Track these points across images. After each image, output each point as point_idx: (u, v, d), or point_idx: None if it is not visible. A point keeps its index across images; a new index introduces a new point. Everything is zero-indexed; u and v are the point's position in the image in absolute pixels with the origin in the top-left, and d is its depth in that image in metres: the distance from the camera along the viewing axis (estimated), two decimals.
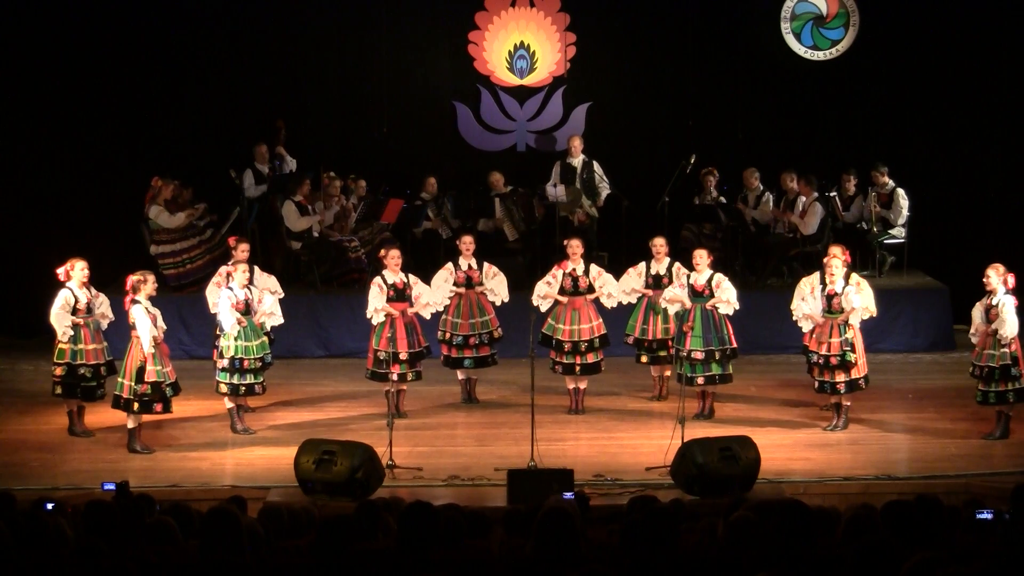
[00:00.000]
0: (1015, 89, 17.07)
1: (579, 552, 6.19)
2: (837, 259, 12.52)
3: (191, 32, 17.10)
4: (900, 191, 16.24)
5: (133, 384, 11.90)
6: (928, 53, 17.21)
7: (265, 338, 12.77)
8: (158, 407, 11.99)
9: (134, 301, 11.95)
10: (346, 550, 6.27)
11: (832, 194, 16.41)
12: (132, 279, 12.08)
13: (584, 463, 11.32)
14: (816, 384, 12.58)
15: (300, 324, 15.09)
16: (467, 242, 13.54)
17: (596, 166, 16.64)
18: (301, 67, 17.36)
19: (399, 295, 12.95)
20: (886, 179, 16.30)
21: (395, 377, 12.75)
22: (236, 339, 12.47)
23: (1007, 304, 11.95)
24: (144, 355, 11.87)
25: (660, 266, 13.33)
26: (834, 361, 12.32)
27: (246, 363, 12.48)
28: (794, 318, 12.72)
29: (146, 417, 12.13)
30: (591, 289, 13.19)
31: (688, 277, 12.88)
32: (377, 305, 12.90)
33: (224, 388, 12.55)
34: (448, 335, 13.44)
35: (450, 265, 13.55)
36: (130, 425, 12.08)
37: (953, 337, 15.64)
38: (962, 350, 14.86)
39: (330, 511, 8.59)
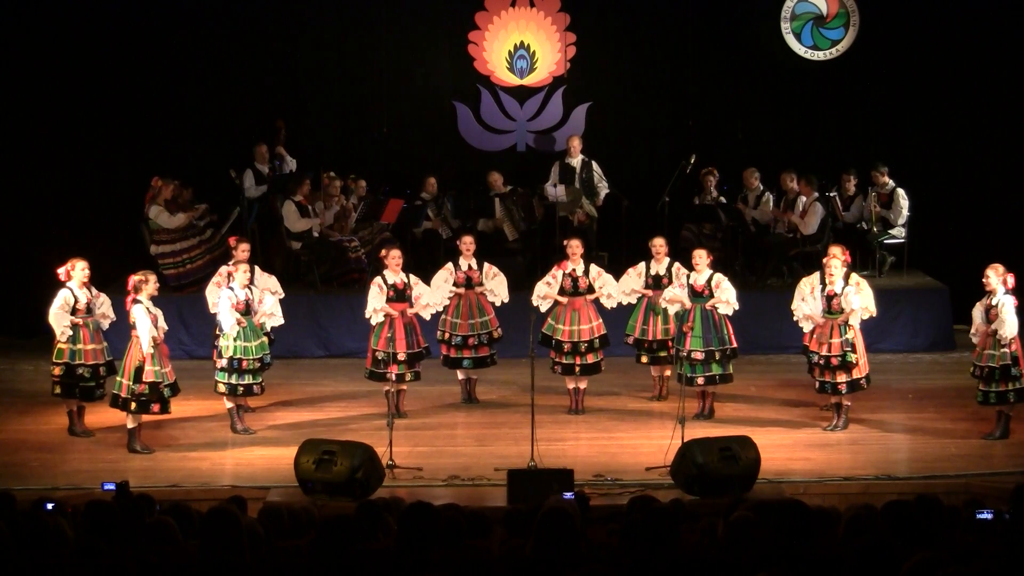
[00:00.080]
0: (1015, 89, 17.07)
1: (579, 552, 6.18)
2: (836, 259, 12.52)
3: (191, 32, 17.09)
4: (900, 191, 16.24)
5: (131, 384, 11.90)
6: (928, 53, 17.21)
7: (265, 338, 12.76)
8: (155, 407, 11.99)
9: (135, 301, 11.95)
10: (346, 550, 6.27)
11: (832, 194, 16.41)
12: (134, 279, 12.09)
13: (584, 463, 11.32)
14: (817, 384, 12.57)
15: (300, 324, 15.09)
16: (467, 242, 13.53)
17: (595, 166, 16.64)
18: (301, 67, 17.36)
19: (399, 295, 12.95)
20: (886, 179, 16.30)
21: (392, 377, 12.75)
22: (235, 339, 12.47)
23: (1006, 304, 11.95)
24: (143, 355, 11.87)
25: (660, 266, 13.33)
26: (835, 362, 12.32)
27: (245, 363, 12.47)
28: (795, 318, 12.72)
29: (145, 417, 12.13)
30: (591, 289, 13.18)
31: (688, 277, 12.88)
32: (376, 305, 12.89)
33: (222, 388, 12.55)
34: (447, 335, 13.44)
35: (450, 265, 13.55)
36: (130, 425, 12.08)
37: (953, 337, 15.64)
38: (962, 350, 14.87)
39: (330, 511, 8.59)
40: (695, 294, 12.73)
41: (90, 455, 12.04)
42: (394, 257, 13.09)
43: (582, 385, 13.28)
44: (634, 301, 13.38)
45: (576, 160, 16.68)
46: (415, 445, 12.03)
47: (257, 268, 13.36)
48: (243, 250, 13.07)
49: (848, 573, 5.69)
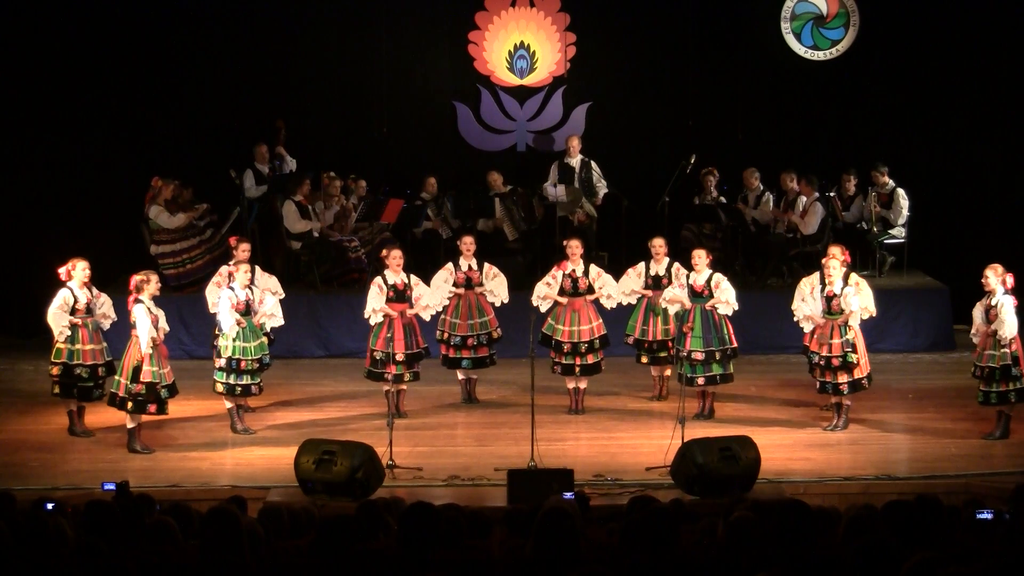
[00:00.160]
0: (1015, 89, 17.07)
1: (579, 552, 6.18)
2: (835, 260, 12.51)
3: (191, 32, 17.09)
4: (900, 191, 16.25)
5: (128, 383, 11.90)
6: (928, 53, 17.21)
7: (264, 339, 12.75)
8: (151, 408, 11.98)
9: (137, 300, 11.96)
10: (346, 550, 6.26)
11: (832, 194, 16.41)
12: (136, 279, 12.09)
13: (584, 463, 11.33)
14: (818, 385, 12.58)
15: (300, 324, 15.08)
16: (468, 243, 13.53)
17: (594, 165, 16.64)
18: (301, 67, 17.36)
19: (399, 296, 12.94)
20: (886, 179, 16.30)
21: (390, 377, 12.74)
22: (234, 340, 12.46)
23: (1006, 304, 11.95)
24: (142, 355, 11.87)
25: (659, 267, 13.32)
26: (836, 363, 12.33)
27: (243, 364, 12.46)
28: (795, 319, 12.72)
29: (144, 417, 12.12)
30: (591, 290, 13.18)
31: (687, 277, 12.88)
32: (375, 306, 12.89)
33: (220, 388, 12.55)
34: (446, 335, 13.43)
35: (450, 265, 13.54)
36: (130, 425, 12.08)
37: (953, 337, 15.64)
38: (962, 350, 14.88)
39: (330, 511, 8.58)
40: (695, 294, 12.72)
41: (90, 455, 12.04)
42: (395, 257, 13.09)
43: (582, 385, 13.27)
44: (634, 301, 13.38)
45: (575, 160, 16.67)
46: (415, 445, 12.03)
47: (258, 268, 13.36)
48: (244, 250, 13.07)
49: (848, 573, 5.69)
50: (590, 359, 13.10)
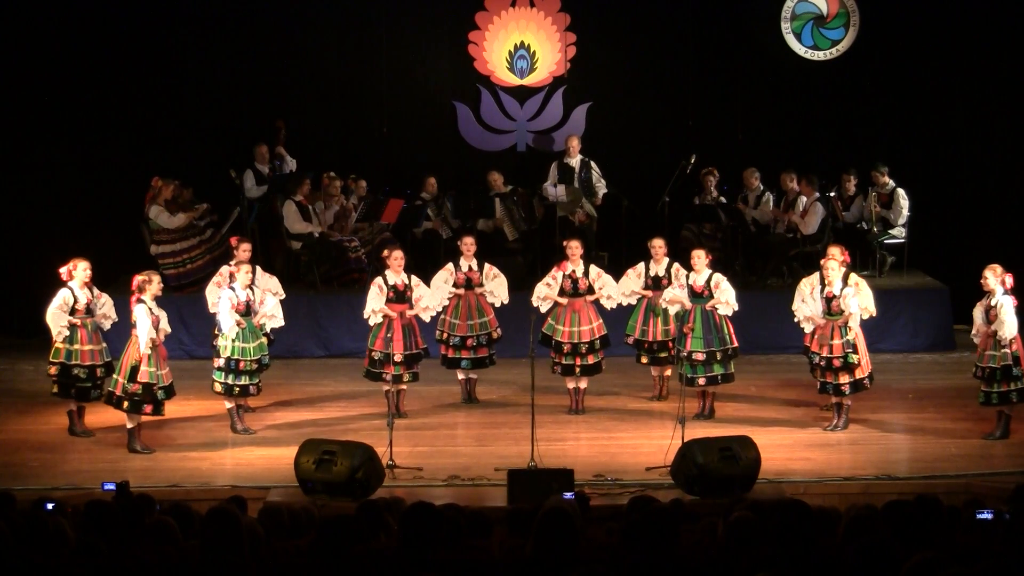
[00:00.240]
0: (1015, 89, 17.07)
1: (579, 552, 6.18)
2: (834, 260, 12.50)
3: (191, 32, 17.11)
4: (900, 191, 16.25)
5: (126, 382, 11.90)
6: (928, 53, 17.21)
7: (264, 339, 12.75)
8: (147, 408, 11.96)
9: (139, 300, 11.96)
10: (346, 550, 6.26)
11: (832, 194, 16.41)
12: (138, 279, 12.08)
13: (584, 463, 11.32)
14: (819, 385, 12.57)
15: (300, 324, 15.07)
16: (468, 243, 13.52)
17: (594, 165, 16.64)
18: (301, 67, 17.36)
19: (399, 296, 12.94)
20: (886, 179, 16.30)
21: (389, 377, 12.74)
22: (234, 340, 12.46)
23: (1005, 305, 11.95)
24: (140, 355, 11.87)
25: (659, 267, 13.32)
26: (836, 363, 12.32)
27: (242, 364, 12.46)
28: (795, 319, 12.72)
29: (143, 417, 12.12)
30: (591, 290, 13.17)
31: (687, 278, 12.87)
32: (375, 307, 12.89)
33: (219, 388, 12.54)
34: (446, 335, 13.43)
35: (450, 266, 13.54)
36: (129, 425, 12.07)
37: (953, 337, 15.63)
38: (962, 350, 14.88)
39: (330, 511, 8.58)
40: (694, 295, 12.72)
41: (90, 455, 12.04)
42: (396, 258, 13.08)
43: (582, 385, 13.27)
44: (634, 302, 13.37)
45: (575, 160, 16.67)
46: (415, 445, 12.03)
47: (259, 268, 13.35)
48: (244, 250, 13.07)
49: (848, 573, 5.69)
50: (590, 359, 13.10)
